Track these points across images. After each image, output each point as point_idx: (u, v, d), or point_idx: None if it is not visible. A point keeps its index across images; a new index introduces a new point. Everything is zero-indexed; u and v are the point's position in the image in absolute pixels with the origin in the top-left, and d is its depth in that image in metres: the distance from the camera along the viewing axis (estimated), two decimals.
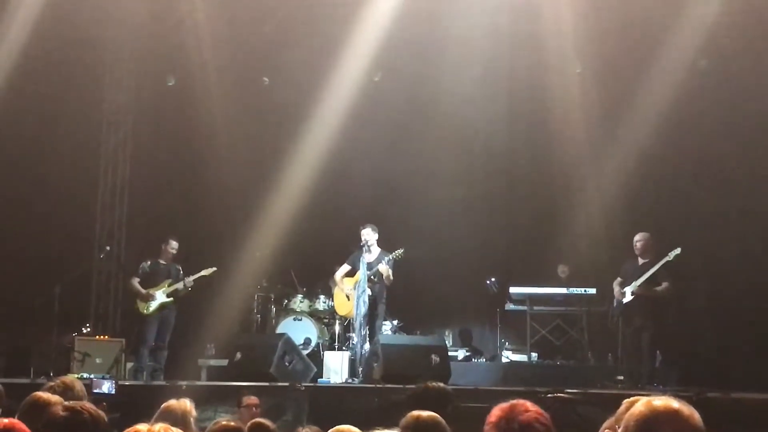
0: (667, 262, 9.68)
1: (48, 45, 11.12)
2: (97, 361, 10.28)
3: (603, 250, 11.05)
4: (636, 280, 9.82)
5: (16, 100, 10.94)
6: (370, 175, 12.10)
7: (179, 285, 10.68)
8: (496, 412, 2.59)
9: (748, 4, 10.30)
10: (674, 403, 2.31)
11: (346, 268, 10.65)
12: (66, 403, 3.30)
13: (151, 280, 10.73)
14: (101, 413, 3.24)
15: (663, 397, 2.34)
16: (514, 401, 2.63)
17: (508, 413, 2.56)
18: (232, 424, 4.11)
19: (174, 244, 10.88)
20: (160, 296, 10.63)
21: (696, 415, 2.29)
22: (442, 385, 4.86)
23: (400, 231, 11.22)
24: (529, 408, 2.58)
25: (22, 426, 3.26)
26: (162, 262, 10.86)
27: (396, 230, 11.09)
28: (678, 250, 9.58)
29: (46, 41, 10.96)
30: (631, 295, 9.83)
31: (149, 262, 10.85)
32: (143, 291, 10.65)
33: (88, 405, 3.25)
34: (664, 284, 9.79)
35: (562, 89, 11.25)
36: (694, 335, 10.62)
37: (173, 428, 2.55)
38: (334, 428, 3.73)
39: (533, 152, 12.20)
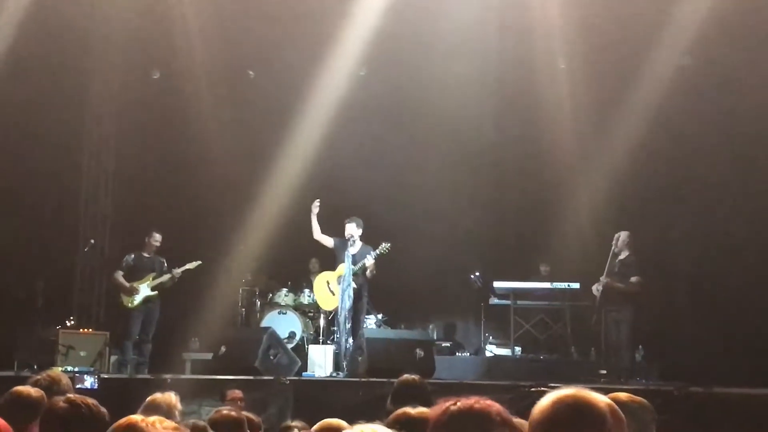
0: (630, 255, 10.09)
1: (33, 36, 11.02)
2: (81, 354, 10.26)
3: (588, 245, 11.10)
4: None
5: (0, 91, 10.86)
6: (356, 169, 12.05)
7: (163, 278, 10.66)
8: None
9: (736, 1, 10.32)
10: (568, 391, 2.20)
11: (327, 238, 10.50)
12: (69, 395, 3.29)
13: (135, 274, 10.70)
14: (102, 408, 3.22)
15: (570, 388, 2.24)
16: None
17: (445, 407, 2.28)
18: (234, 414, 4.12)
19: (158, 237, 10.85)
20: (145, 290, 10.60)
21: (600, 404, 2.20)
22: (418, 378, 4.83)
23: (386, 225, 11.19)
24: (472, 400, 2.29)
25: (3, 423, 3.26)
26: (146, 255, 10.82)
27: (381, 224, 11.06)
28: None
29: (32, 33, 10.86)
30: (601, 288, 10.09)
31: (133, 256, 10.82)
32: (127, 284, 10.61)
33: (90, 399, 3.24)
34: (634, 278, 10.07)
35: (550, 85, 11.27)
36: (677, 330, 10.70)
37: (166, 420, 2.54)
38: (323, 421, 3.72)
39: (520, 147, 12.19)
